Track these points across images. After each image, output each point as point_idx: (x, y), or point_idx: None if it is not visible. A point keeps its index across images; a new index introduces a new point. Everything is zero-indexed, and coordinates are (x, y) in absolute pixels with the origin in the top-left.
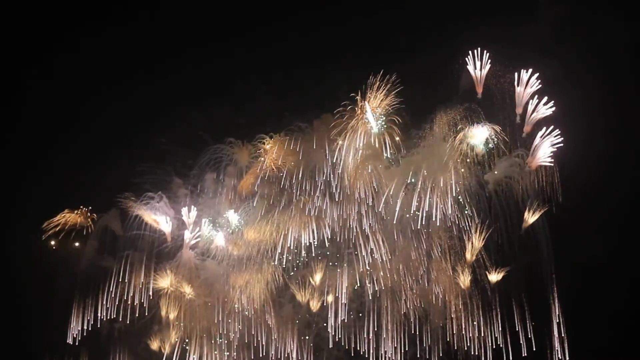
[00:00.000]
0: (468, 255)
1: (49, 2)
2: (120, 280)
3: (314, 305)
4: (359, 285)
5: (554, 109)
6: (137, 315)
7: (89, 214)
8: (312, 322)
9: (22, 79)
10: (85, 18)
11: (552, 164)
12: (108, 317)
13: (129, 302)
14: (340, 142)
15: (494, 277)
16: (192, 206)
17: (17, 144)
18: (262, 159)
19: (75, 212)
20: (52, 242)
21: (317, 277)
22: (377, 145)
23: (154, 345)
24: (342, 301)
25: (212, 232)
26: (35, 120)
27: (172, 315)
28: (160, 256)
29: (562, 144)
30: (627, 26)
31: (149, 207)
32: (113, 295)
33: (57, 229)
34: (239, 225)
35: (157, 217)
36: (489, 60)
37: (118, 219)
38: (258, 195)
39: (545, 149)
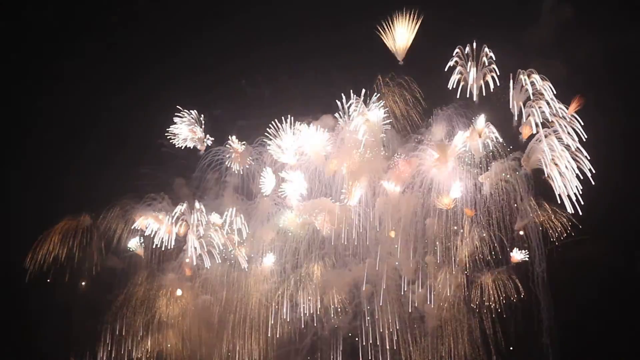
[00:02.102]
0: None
1: None
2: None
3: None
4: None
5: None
6: None
7: (90, 219)
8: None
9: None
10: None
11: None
12: None
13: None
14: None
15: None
16: (197, 201)
17: (16, 146)
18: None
19: (77, 218)
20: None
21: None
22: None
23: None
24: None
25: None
26: (33, 122)
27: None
28: (163, 257)
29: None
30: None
31: (151, 208)
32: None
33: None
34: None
35: (159, 217)
36: (488, 62)
37: (121, 221)
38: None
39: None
